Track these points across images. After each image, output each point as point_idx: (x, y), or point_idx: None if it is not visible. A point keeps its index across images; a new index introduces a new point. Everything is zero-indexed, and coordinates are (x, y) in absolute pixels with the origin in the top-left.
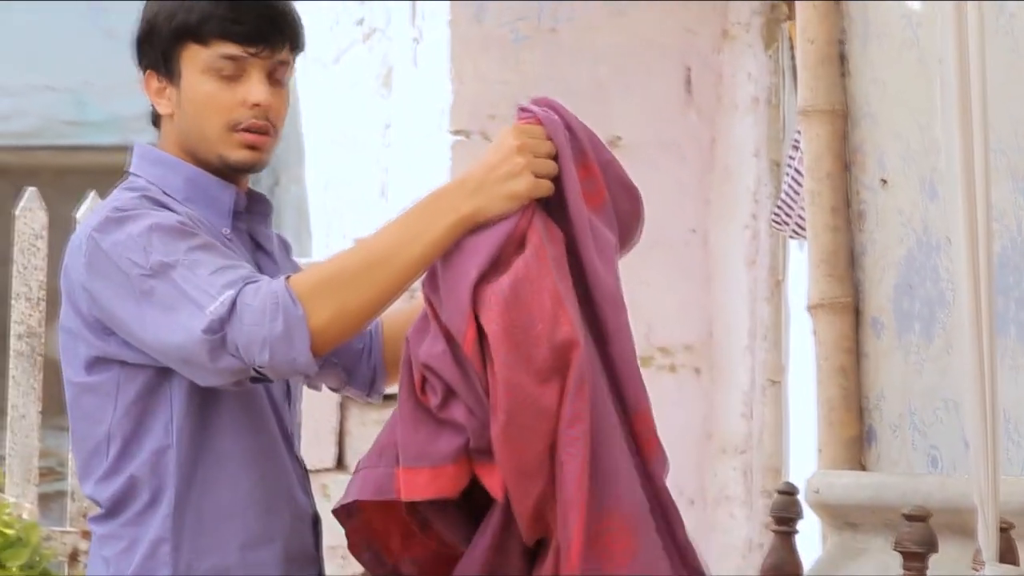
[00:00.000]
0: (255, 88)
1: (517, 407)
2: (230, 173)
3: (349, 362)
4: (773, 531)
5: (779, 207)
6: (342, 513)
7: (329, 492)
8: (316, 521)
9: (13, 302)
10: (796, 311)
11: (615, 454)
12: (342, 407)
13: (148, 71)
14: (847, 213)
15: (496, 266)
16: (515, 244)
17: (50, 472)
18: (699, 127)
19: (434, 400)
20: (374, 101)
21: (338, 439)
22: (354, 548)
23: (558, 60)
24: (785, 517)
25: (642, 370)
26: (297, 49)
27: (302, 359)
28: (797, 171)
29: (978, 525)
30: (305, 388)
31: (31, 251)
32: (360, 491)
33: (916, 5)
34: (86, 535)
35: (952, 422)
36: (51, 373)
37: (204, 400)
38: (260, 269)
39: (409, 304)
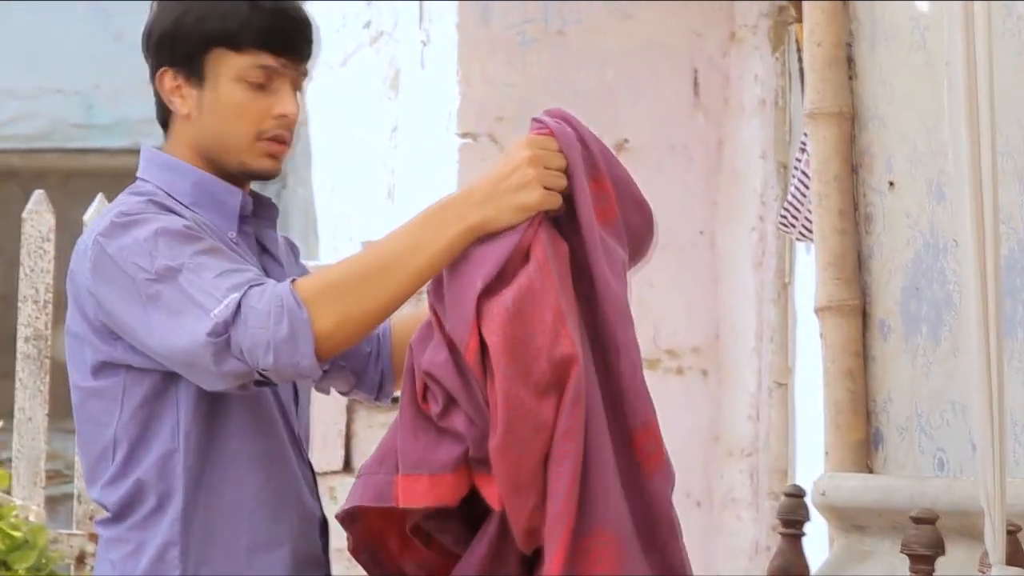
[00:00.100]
0: (285, 100)
1: (515, 420)
2: (245, 179)
3: (357, 365)
4: (780, 533)
5: (786, 209)
6: (345, 518)
7: (336, 495)
8: (324, 524)
9: (20, 305)
10: (803, 313)
11: (606, 472)
12: (349, 410)
13: (164, 68)
14: (854, 216)
15: (502, 277)
16: (521, 256)
17: (57, 475)
18: (706, 129)
19: (435, 408)
20: (381, 104)
21: (345, 442)
22: (356, 552)
23: (565, 63)
24: (792, 519)
25: (649, 372)
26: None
27: (306, 362)
28: (804, 173)
29: (985, 528)
30: (313, 391)
31: (38, 254)
32: (360, 497)
33: (924, 7)
34: (93, 538)
35: (959, 425)
36: (58, 376)
37: (212, 404)
38: (266, 273)
39: (419, 308)
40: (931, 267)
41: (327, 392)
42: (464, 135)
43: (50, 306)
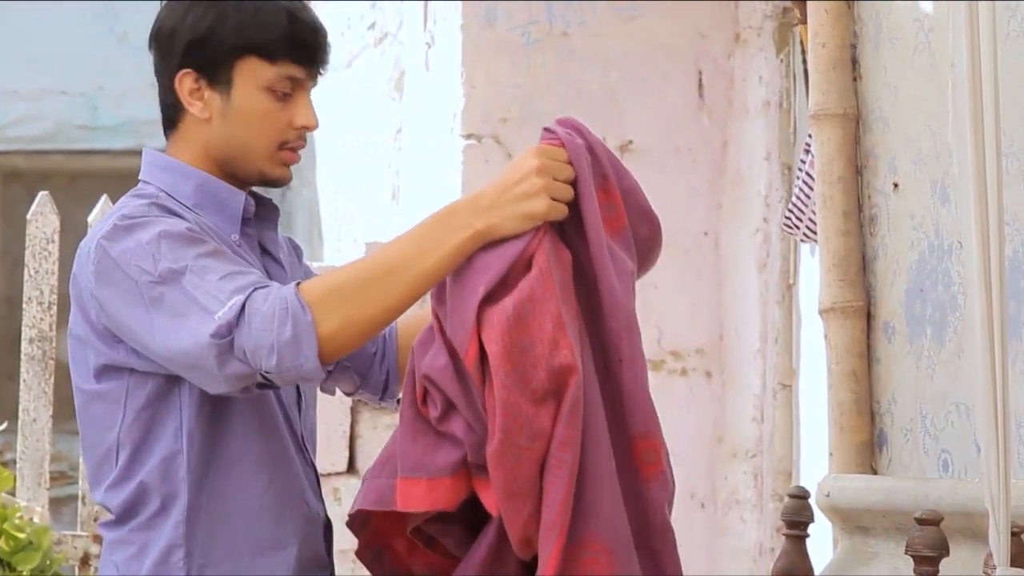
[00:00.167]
0: (307, 111)
1: (512, 427)
2: (255, 185)
3: (362, 366)
4: (784, 535)
5: (790, 211)
6: (354, 522)
7: (340, 496)
8: (328, 525)
9: (25, 306)
10: (807, 315)
11: (602, 481)
12: (353, 411)
13: (187, 71)
14: (859, 217)
15: (504, 285)
16: (524, 264)
17: (61, 476)
18: (711, 131)
19: (434, 413)
20: (386, 105)
21: (349, 443)
22: (364, 555)
23: (570, 64)
24: (796, 521)
25: (653, 374)
26: None
27: (309, 365)
28: (808, 175)
29: (990, 529)
30: (318, 392)
31: (43, 255)
32: (362, 501)
33: (928, 8)
34: (97, 539)
35: (964, 426)
36: (62, 377)
37: (214, 406)
38: (268, 275)
39: (425, 310)
40: (935, 268)
41: (332, 393)
42: (468, 136)
43: (54, 307)
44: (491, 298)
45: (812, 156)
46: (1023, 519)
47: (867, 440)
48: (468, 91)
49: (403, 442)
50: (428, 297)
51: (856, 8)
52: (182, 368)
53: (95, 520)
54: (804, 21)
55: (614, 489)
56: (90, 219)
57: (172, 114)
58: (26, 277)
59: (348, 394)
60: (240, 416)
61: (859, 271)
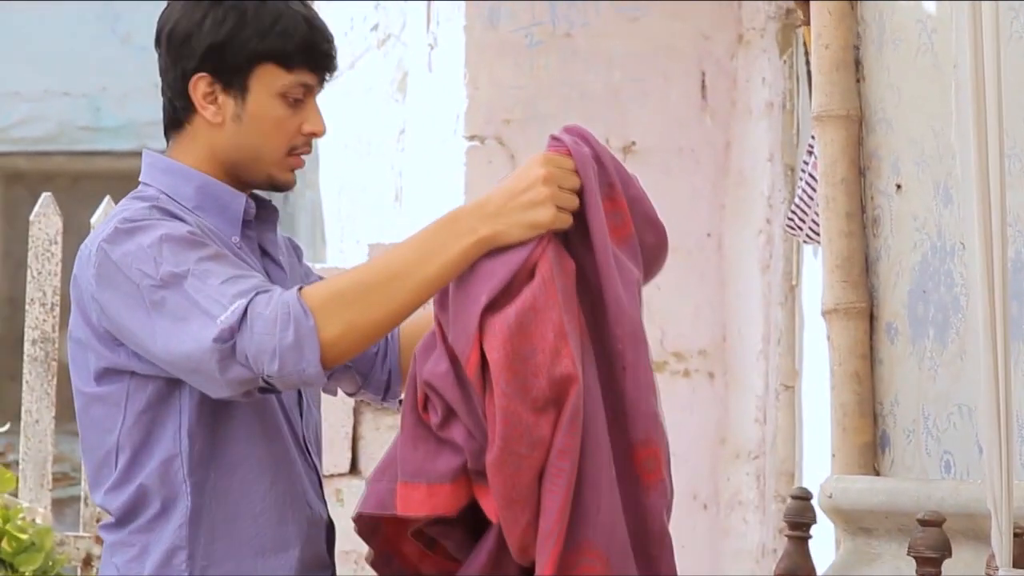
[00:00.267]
0: (316, 117)
1: (512, 435)
2: (263, 190)
3: (364, 366)
4: (787, 536)
5: (793, 212)
6: (364, 529)
7: (343, 497)
8: (330, 527)
9: (27, 307)
10: (810, 316)
11: (602, 488)
12: (356, 412)
13: (201, 74)
14: (862, 218)
15: (507, 293)
16: (527, 273)
17: (64, 477)
18: (714, 132)
19: (435, 419)
20: (389, 106)
21: (352, 444)
22: (375, 562)
23: (573, 65)
24: (799, 522)
25: (656, 375)
26: None
27: (311, 370)
28: (811, 176)
29: (992, 530)
30: (322, 394)
31: (46, 256)
32: (364, 505)
33: (931, 9)
34: (99, 540)
35: (966, 427)
36: (65, 378)
37: (215, 409)
38: (268, 277)
39: (428, 311)
40: (938, 270)
41: (334, 393)
42: (471, 138)
43: (57, 309)
44: (494, 306)
45: (815, 157)
46: None
47: (869, 441)
48: (471, 92)
49: (404, 447)
50: (430, 303)
51: (859, 9)
52: (183, 372)
53: (97, 521)
54: (807, 22)
55: (613, 496)
56: (93, 220)
57: (180, 115)
58: (29, 278)
59: (350, 394)
60: (241, 419)
61: (862, 272)
